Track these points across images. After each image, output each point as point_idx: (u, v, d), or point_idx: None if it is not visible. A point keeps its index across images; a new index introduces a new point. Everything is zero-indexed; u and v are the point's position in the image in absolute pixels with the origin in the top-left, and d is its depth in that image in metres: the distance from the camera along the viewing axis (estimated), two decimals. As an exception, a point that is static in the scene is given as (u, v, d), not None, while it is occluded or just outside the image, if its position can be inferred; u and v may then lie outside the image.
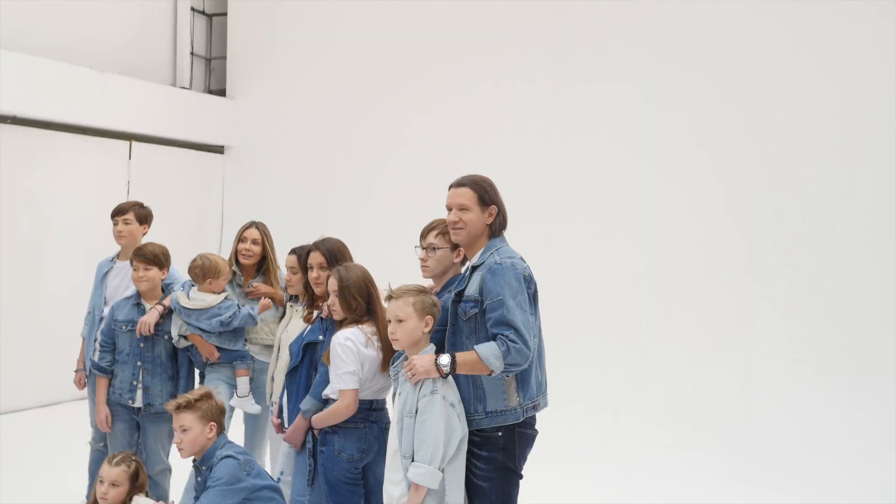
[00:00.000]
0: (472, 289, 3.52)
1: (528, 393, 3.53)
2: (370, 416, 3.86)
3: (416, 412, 3.40)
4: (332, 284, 3.89)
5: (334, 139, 10.03)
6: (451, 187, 3.70)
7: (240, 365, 4.78)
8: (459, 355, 3.40)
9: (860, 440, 6.90)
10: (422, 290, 3.53)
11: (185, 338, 4.73)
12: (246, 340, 4.86)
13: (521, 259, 3.60)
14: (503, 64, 9.12)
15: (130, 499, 4.05)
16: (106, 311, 4.98)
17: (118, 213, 5.16)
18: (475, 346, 3.40)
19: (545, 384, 3.68)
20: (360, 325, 3.84)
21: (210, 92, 10.93)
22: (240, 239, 5.00)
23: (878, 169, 7.52)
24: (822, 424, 7.16)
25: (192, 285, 4.76)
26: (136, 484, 4.09)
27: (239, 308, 4.72)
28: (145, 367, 4.69)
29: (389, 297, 3.54)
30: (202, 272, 4.72)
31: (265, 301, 4.86)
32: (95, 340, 4.95)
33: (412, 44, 9.63)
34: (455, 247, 3.83)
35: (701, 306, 8.09)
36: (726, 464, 6.57)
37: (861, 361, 7.41)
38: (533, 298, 3.55)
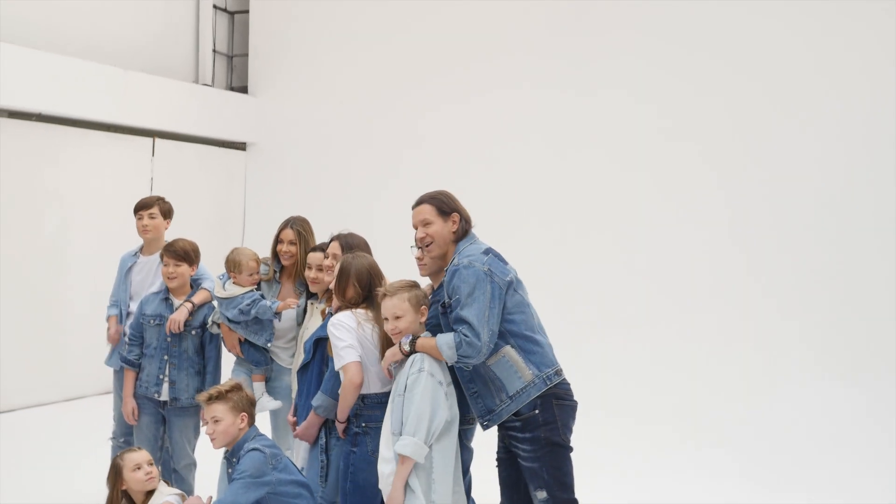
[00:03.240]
0: (443, 293, 3.74)
1: (541, 361, 3.68)
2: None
3: (405, 390, 3.52)
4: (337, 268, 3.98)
5: (354, 136, 10.04)
6: (412, 209, 3.91)
7: (256, 370, 4.81)
8: (421, 339, 3.60)
9: (872, 440, 6.86)
10: (413, 285, 3.70)
11: (219, 325, 4.81)
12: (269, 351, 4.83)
13: (486, 252, 3.74)
14: (519, 65, 9.11)
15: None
16: (132, 305, 5.02)
17: (143, 207, 5.15)
18: (438, 335, 3.61)
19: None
20: (353, 311, 3.83)
21: (232, 89, 10.97)
22: (277, 240, 4.86)
23: (883, 166, 7.53)
24: (833, 424, 7.13)
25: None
26: None
27: (262, 297, 4.74)
28: (172, 361, 4.74)
29: (384, 296, 3.66)
30: (226, 265, 4.83)
31: (287, 301, 4.80)
32: (124, 335, 5.00)
33: (429, 42, 9.64)
34: None
35: (711, 307, 8.08)
36: (738, 464, 6.51)
37: (872, 360, 7.41)
38: (506, 286, 3.67)
